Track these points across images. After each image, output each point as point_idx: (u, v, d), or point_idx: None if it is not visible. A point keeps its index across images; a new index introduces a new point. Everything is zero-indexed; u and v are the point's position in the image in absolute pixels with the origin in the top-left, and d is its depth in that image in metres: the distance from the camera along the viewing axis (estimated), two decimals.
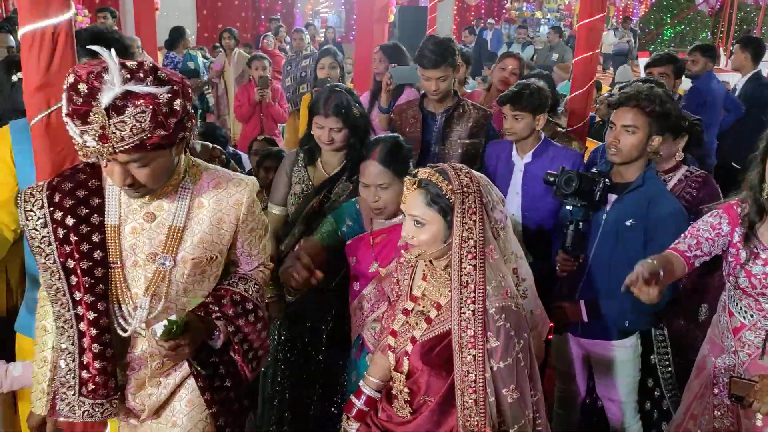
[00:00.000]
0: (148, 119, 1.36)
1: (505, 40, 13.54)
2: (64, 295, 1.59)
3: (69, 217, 1.56)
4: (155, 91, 1.37)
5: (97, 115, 1.34)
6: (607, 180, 2.27)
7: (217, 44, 10.17)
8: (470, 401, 1.53)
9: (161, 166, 1.49)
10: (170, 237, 1.62)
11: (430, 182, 1.55)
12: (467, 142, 2.91)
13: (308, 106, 2.49)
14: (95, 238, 1.58)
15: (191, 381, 1.73)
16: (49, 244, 1.58)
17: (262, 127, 5.36)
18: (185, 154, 1.63)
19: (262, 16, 14.66)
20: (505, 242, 1.63)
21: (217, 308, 1.68)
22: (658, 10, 17.32)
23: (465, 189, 1.54)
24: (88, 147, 1.38)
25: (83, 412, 1.62)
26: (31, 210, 1.58)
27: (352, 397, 1.83)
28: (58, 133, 1.64)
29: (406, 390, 1.66)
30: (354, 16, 13.40)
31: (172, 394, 1.75)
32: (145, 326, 1.61)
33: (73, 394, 1.62)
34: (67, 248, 1.57)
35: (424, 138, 2.95)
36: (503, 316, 1.53)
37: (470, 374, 1.52)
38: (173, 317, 1.53)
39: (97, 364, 1.60)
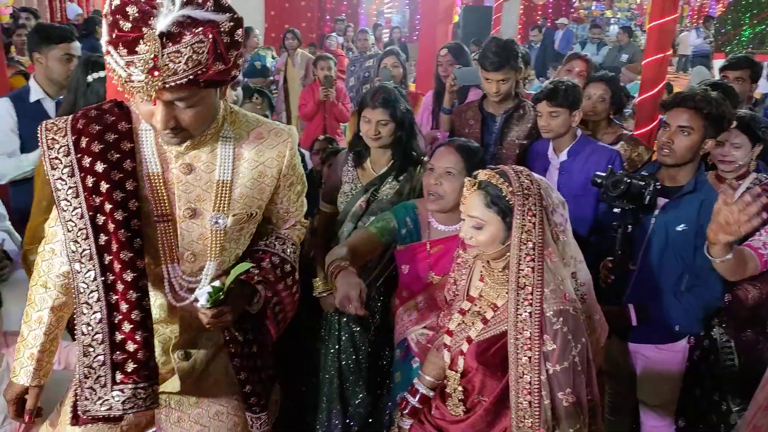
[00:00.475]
0: (206, 50, 1.17)
1: (575, 40, 13.21)
2: (91, 259, 1.37)
3: (99, 162, 1.36)
4: (217, 18, 1.19)
5: (148, 44, 1.15)
6: (657, 183, 2.20)
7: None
8: (524, 403, 1.53)
9: (208, 108, 1.33)
10: (220, 192, 1.44)
11: (490, 184, 1.56)
12: (525, 143, 2.89)
13: (357, 103, 2.54)
14: (129, 185, 1.38)
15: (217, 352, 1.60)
16: (77, 196, 1.37)
17: (325, 126, 5.45)
18: (224, 99, 1.46)
19: (327, 17, 14.85)
20: (565, 246, 1.61)
21: (257, 271, 1.52)
22: (736, 9, 16.54)
23: (525, 191, 1.54)
24: (133, 81, 1.18)
25: (123, 402, 1.37)
26: (56, 158, 1.38)
27: (407, 395, 1.85)
28: None
29: (460, 389, 1.68)
30: (418, 17, 13.44)
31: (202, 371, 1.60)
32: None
33: (104, 385, 1.37)
34: (97, 199, 1.36)
35: (482, 139, 2.94)
36: (561, 319, 1.52)
37: (525, 376, 1.52)
38: (217, 283, 1.39)
39: (137, 336, 1.37)
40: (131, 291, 1.36)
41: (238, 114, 1.51)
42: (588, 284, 1.73)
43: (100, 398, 1.37)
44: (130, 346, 1.37)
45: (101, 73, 2.37)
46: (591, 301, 1.73)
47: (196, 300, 1.40)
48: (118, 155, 1.38)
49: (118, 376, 1.37)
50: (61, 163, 1.37)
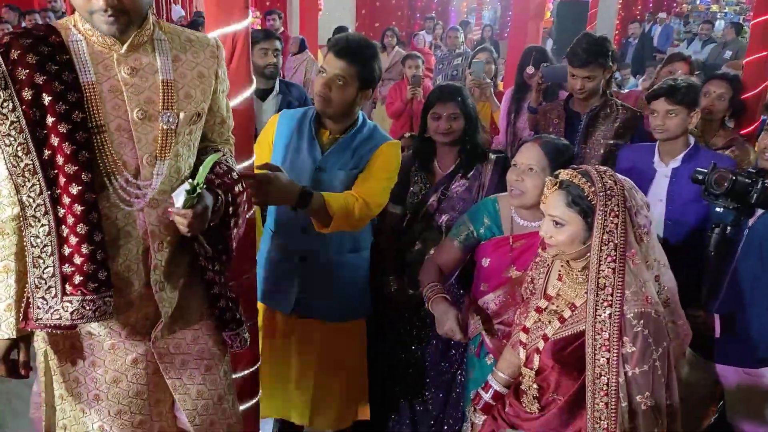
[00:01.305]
0: None
1: (676, 37, 12.56)
2: (35, 173, 1.37)
3: (37, 74, 1.35)
4: None
5: None
6: (766, 181, 2.06)
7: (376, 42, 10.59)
8: (601, 404, 1.52)
9: None
10: (166, 92, 1.47)
11: (571, 183, 1.56)
12: (611, 142, 2.83)
13: (424, 103, 2.56)
14: (71, 97, 1.37)
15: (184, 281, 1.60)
16: (14, 109, 1.34)
17: (412, 124, 5.51)
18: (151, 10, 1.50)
19: (417, 15, 14.91)
20: (648, 248, 1.59)
21: (211, 175, 1.54)
22: None
23: (608, 191, 1.53)
24: None
25: (72, 313, 1.40)
26: None
27: (480, 390, 1.87)
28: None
29: (535, 386, 1.69)
30: (510, 13, 13.25)
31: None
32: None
33: (54, 296, 1.41)
34: (37, 113, 1.35)
35: (567, 138, 2.90)
36: (641, 322, 1.51)
37: (602, 377, 1.51)
38: (186, 185, 1.39)
39: (84, 249, 1.39)
40: (76, 204, 1.38)
41: (163, 22, 1.55)
42: (672, 288, 1.69)
43: (51, 307, 1.41)
44: (77, 259, 1.40)
45: None
46: (674, 306, 1.69)
47: (171, 205, 1.43)
48: (56, 67, 1.37)
49: (68, 288, 1.41)
50: None
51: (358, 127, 2.24)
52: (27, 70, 1.35)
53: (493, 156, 2.52)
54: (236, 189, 1.62)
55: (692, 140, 2.59)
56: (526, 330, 1.70)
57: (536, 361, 1.67)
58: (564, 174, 1.59)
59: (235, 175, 1.65)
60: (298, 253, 2.28)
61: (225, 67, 1.65)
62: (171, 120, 1.47)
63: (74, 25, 1.44)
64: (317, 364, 2.37)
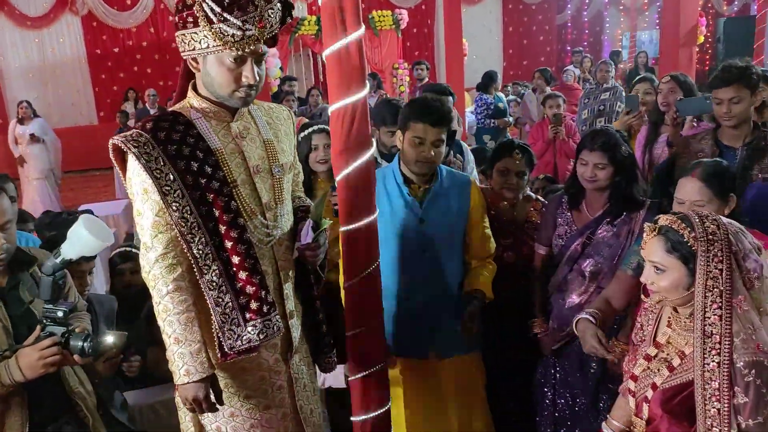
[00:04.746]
0: (279, 12, 1.64)
1: None
2: (199, 228, 1.65)
3: (183, 147, 1.67)
4: None
5: (257, 2, 1.58)
6: None
7: (520, 81, 10.57)
8: None
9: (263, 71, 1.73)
10: (270, 148, 1.82)
11: (671, 229, 1.55)
12: None
13: (578, 145, 2.57)
14: (210, 160, 1.68)
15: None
16: (174, 180, 1.64)
17: (555, 163, 5.44)
18: None
19: (568, 48, 14.63)
20: (760, 293, 1.52)
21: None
22: None
23: (710, 237, 1.50)
24: (247, 34, 1.58)
25: (258, 334, 1.68)
26: (158, 168, 1.63)
27: None
28: (356, 185, 2.02)
29: None
30: None
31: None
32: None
33: (239, 325, 1.67)
34: (190, 177, 1.65)
35: None
36: (753, 371, 1.45)
37: (714, 428, 1.47)
38: (310, 222, 1.75)
39: (254, 279, 1.68)
40: (239, 244, 1.67)
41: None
42: None
43: (239, 336, 1.67)
44: (249, 289, 1.67)
45: None
46: None
47: (300, 244, 1.77)
48: (192, 139, 1.69)
49: (247, 315, 1.67)
50: (162, 172, 1.64)
51: (439, 173, 2.45)
52: (174, 146, 1.66)
53: (648, 202, 2.46)
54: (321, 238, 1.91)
55: None
56: (635, 378, 1.68)
57: (645, 410, 1.64)
58: (663, 220, 1.58)
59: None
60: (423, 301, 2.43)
61: (295, 128, 2.01)
62: (279, 170, 1.82)
63: (191, 106, 1.77)
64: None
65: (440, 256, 2.42)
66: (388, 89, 10.09)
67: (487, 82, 7.41)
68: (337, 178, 2.04)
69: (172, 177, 1.63)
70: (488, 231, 2.51)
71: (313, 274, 1.96)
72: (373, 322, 2.15)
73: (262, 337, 1.69)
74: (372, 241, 2.08)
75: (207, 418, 1.85)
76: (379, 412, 2.21)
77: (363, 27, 1.94)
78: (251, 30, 1.58)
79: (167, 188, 1.63)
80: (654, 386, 1.63)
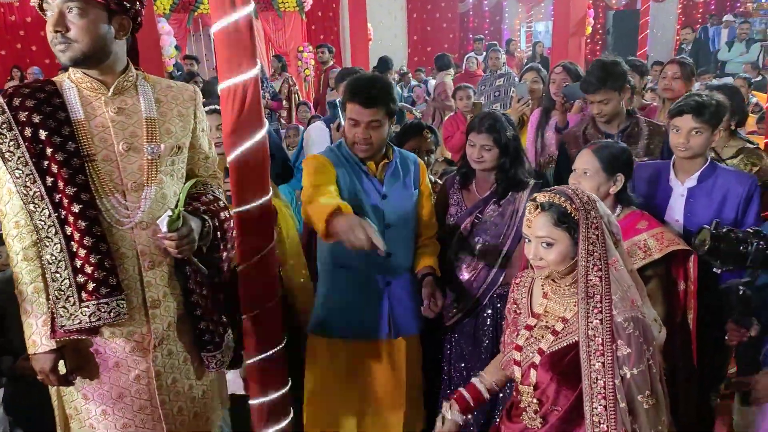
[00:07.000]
0: None
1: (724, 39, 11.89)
2: (42, 198, 1.61)
3: (35, 114, 1.62)
4: None
5: None
6: (761, 243, 1.92)
7: (420, 68, 10.70)
8: (599, 408, 1.57)
9: (95, 25, 1.61)
10: (149, 126, 1.74)
11: (554, 204, 1.63)
12: (645, 160, 2.83)
13: (467, 125, 2.65)
14: (65, 130, 1.63)
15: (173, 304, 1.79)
16: (18, 146, 1.60)
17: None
18: (130, 61, 1.78)
19: (470, 35, 14.96)
20: (623, 253, 1.67)
21: (198, 204, 1.80)
22: None
23: (586, 206, 1.61)
24: None
25: (90, 316, 1.62)
26: (2, 133, 1.60)
27: (461, 389, 1.95)
28: (249, 166, 1.99)
29: (535, 401, 1.73)
30: None
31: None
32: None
33: (73, 304, 1.62)
34: (38, 146, 1.60)
35: None
36: (632, 324, 1.57)
37: (599, 381, 1.57)
38: (169, 211, 1.63)
39: (92, 259, 1.61)
40: (80, 220, 1.62)
41: (146, 73, 1.83)
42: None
43: (71, 314, 1.63)
44: (88, 269, 1.62)
45: None
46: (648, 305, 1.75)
47: (158, 230, 1.65)
48: (50, 108, 1.64)
49: (83, 295, 1.62)
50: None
51: (392, 150, 2.49)
52: (26, 113, 1.62)
53: (531, 182, 2.58)
54: (222, 215, 1.86)
55: (709, 158, 2.48)
56: (519, 348, 1.75)
57: (533, 375, 1.71)
58: (541, 197, 1.66)
59: (221, 203, 1.89)
60: (383, 279, 2.46)
61: (203, 109, 1.93)
62: (154, 151, 1.73)
63: (68, 77, 1.73)
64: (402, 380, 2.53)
65: (402, 232, 2.47)
66: (293, 72, 9.93)
67: (381, 71, 7.39)
68: (229, 159, 2.01)
69: (16, 144, 1.61)
70: (433, 208, 2.59)
71: (189, 265, 1.83)
72: (269, 305, 2.13)
73: (94, 319, 1.63)
74: (266, 223, 2.05)
75: (67, 397, 1.81)
76: (277, 394, 2.21)
77: (252, 3, 1.90)
78: None
79: (9, 154, 1.61)
80: (541, 351, 1.70)
